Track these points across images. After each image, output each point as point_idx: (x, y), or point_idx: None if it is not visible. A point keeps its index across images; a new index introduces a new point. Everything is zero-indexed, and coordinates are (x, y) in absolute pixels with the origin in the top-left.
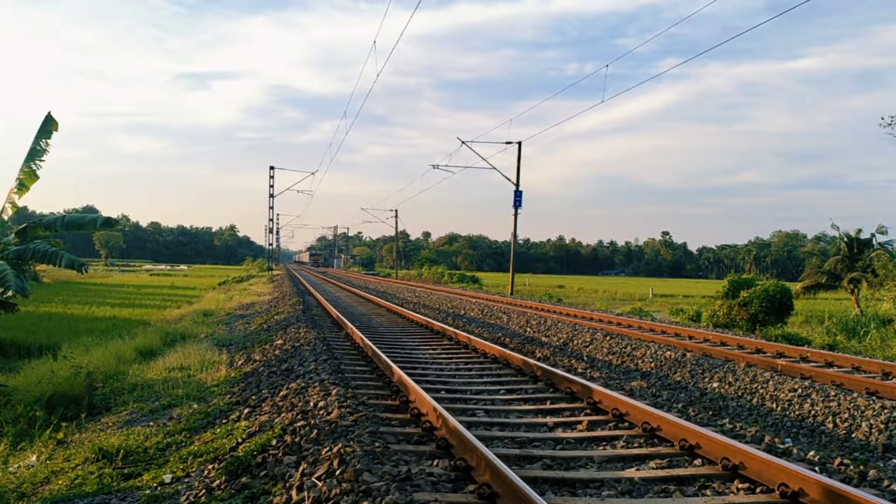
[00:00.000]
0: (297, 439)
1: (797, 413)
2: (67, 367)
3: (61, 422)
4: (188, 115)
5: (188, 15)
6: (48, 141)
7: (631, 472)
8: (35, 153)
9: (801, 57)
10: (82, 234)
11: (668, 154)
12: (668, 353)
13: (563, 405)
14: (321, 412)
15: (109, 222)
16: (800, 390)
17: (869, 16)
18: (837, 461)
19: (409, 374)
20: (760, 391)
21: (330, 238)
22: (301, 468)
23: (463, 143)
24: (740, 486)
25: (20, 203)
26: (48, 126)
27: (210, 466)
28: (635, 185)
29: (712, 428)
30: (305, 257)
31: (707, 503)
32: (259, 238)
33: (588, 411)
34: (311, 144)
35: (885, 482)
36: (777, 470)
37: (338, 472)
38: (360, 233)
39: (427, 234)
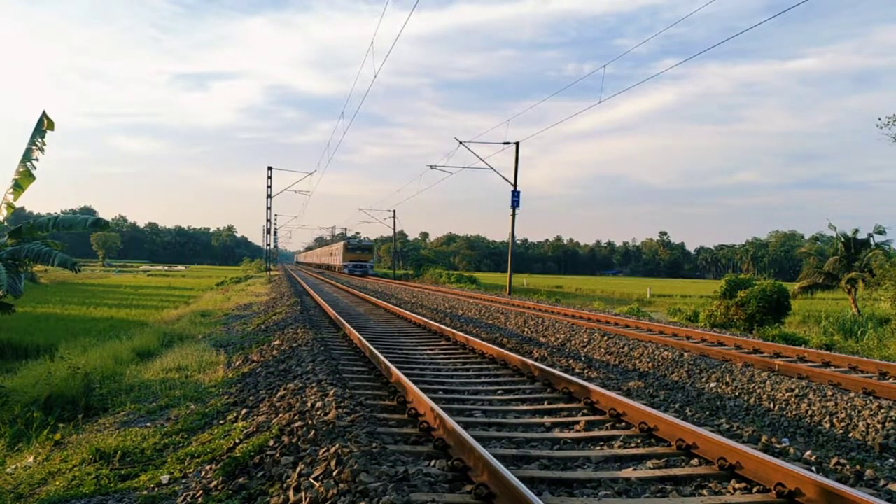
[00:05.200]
0: (294, 440)
1: (794, 413)
2: (64, 367)
3: (58, 423)
4: (187, 116)
5: (187, 15)
6: (43, 140)
7: (628, 472)
8: (31, 153)
9: (800, 57)
10: (78, 234)
11: (667, 154)
12: (666, 353)
13: (560, 405)
14: (319, 413)
15: (99, 223)
16: (797, 390)
17: (867, 16)
18: (834, 461)
19: (407, 375)
20: (758, 391)
21: (328, 238)
22: (298, 469)
23: (461, 143)
24: (737, 485)
25: (17, 203)
26: (42, 125)
27: (207, 467)
28: (633, 185)
29: (709, 428)
30: (327, 255)
31: (704, 503)
32: (257, 238)
33: (585, 411)
34: (309, 145)
35: (882, 482)
36: (774, 470)
37: (335, 473)
38: (358, 233)
39: (425, 235)
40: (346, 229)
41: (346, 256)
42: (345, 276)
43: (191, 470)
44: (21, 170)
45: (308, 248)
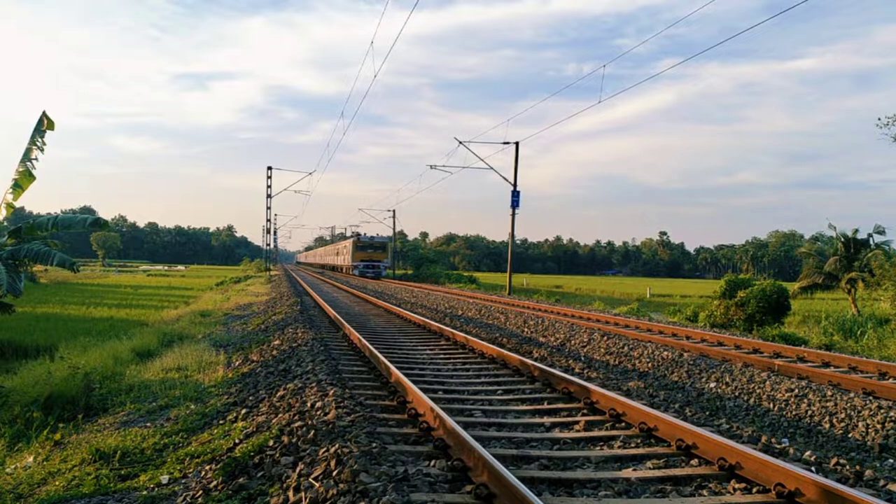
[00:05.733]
0: (294, 440)
1: (794, 413)
2: (64, 367)
3: (58, 423)
4: (187, 116)
5: (187, 15)
6: (43, 140)
7: (628, 473)
8: (30, 153)
9: (800, 57)
10: (77, 234)
11: (666, 154)
12: (666, 353)
13: (560, 405)
14: (318, 413)
15: (98, 223)
16: (797, 390)
17: (867, 16)
18: (834, 461)
19: (407, 375)
20: (757, 391)
21: (328, 238)
22: (298, 469)
23: (461, 143)
24: (737, 486)
25: (17, 203)
26: (42, 125)
27: (207, 467)
28: (633, 185)
29: (709, 428)
30: (333, 255)
31: (704, 503)
32: (257, 238)
33: (585, 411)
34: (309, 145)
35: (882, 482)
36: (773, 470)
37: (335, 473)
38: (357, 234)
39: (425, 235)
40: (346, 228)
41: (355, 255)
42: (351, 277)
43: (190, 470)
44: (21, 170)
45: (308, 248)
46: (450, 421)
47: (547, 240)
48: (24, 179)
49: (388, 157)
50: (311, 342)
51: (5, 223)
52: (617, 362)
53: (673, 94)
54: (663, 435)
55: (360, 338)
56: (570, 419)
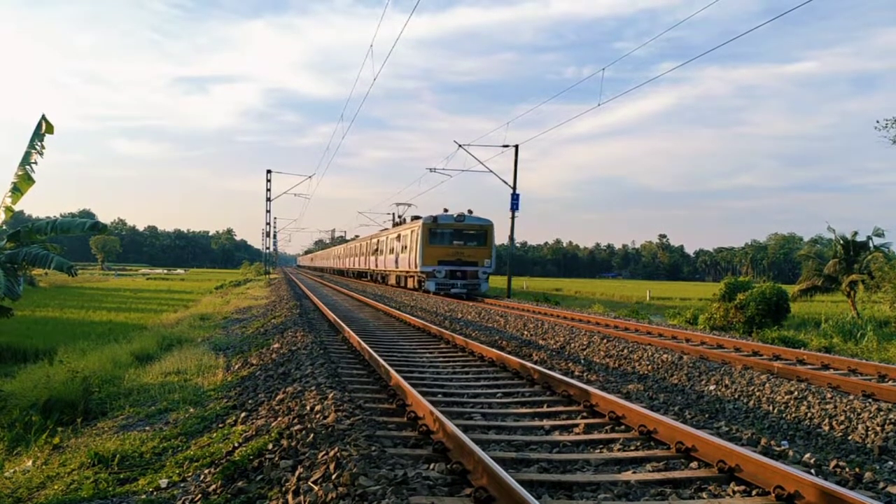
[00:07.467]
0: (293, 443)
1: (793, 415)
2: (63, 371)
3: (57, 426)
4: (186, 119)
5: (187, 18)
6: (42, 144)
7: (627, 475)
8: (30, 156)
9: (799, 60)
10: (77, 238)
11: (666, 157)
12: (665, 355)
13: (559, 408)
14: (318, 416)
15: (97, 226)
16: (796, 393)
17: (866, 19)
18: (833, 463)
19: (406, 378)
20: (757, 394)
21: (327, 241)
22: (297, 472)
23: (460, 146)
24: (736, 488)
25: (16, 207)
26: (41, 129)
27: (206, 471)
28: (632, 189)
29: (709, 430)
30: (369, 254)
31: None
32: (256, 242)
33: (585, 414)
34: (309, 148)
35: (881, 484)
36: (773, 472)
37: (334, 476)
38: (356, 236)
39: None
40: (344, 232)
41: (428, 254)
42: (354, 281)
43: (189, 474)
44: (20, 173)
45: (308, 252)
46: (449, 424)
47: (547, 243)
48: (23, 183)
49: (387, 160)
50: (311, 345)
51: (4, 227)
52: (617, 365)
53: (672, 97)
54: (663, 437)
55: (360, 341)
56: (569, 422)
